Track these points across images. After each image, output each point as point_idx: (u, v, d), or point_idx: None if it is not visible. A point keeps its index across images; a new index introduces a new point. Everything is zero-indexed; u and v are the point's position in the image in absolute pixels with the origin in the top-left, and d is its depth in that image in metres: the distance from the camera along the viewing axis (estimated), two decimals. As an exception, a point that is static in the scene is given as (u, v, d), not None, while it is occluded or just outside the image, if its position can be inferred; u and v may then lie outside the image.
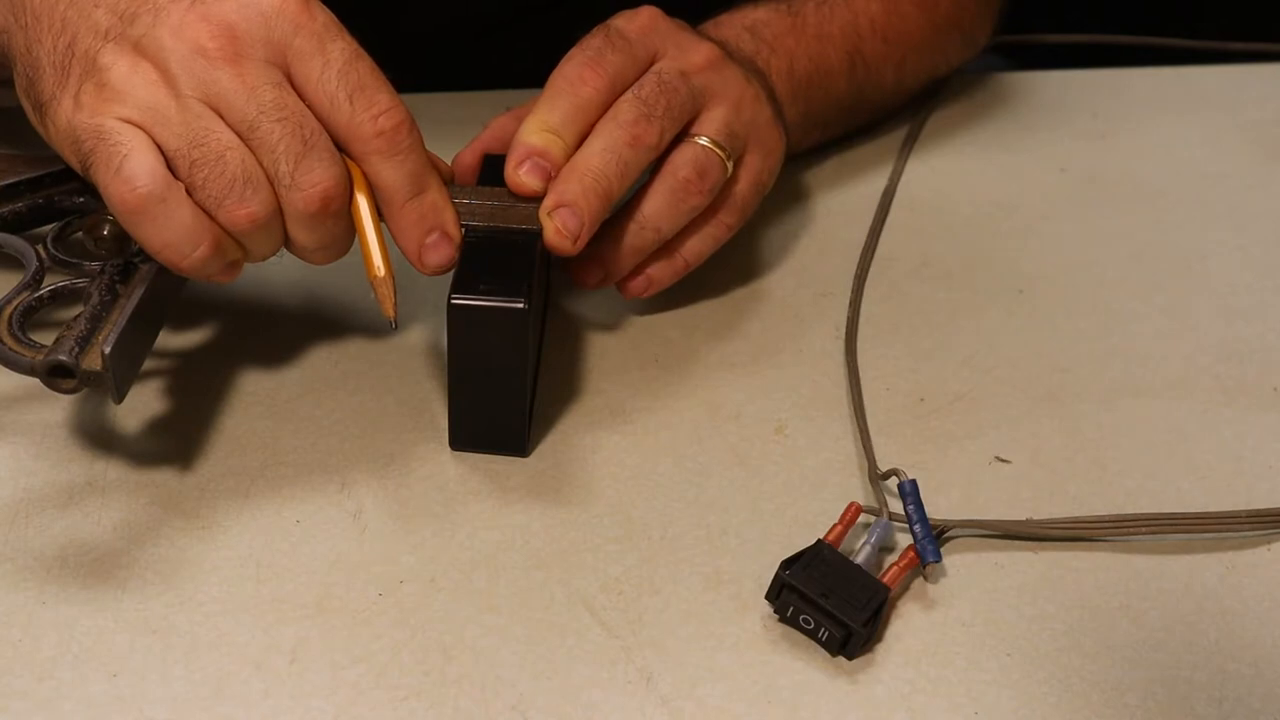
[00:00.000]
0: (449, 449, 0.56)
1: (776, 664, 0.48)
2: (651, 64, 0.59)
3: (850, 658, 0.48)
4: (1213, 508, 0.55)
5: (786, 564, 0.49)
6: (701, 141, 0.59)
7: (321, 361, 0.60)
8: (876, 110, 0.77)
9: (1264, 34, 0.88)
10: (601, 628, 0.49)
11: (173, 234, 0.49)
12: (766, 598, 0.50)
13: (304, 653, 0.48)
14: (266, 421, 0.57)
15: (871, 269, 0.68)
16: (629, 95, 0.57)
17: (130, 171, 0.48)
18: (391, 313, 0.53)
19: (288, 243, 0.52)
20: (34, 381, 0.49)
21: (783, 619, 0.50)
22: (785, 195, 0.72)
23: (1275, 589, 0.52)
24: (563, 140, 0.56)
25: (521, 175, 0.56)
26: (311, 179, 0.50)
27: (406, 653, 0.48)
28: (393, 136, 0.51)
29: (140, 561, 0.50)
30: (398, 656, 0.48)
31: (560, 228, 0.55)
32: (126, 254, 0.53)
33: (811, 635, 0.49)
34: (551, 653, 0.48)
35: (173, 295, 0.56)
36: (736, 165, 0.61)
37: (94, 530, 0.52)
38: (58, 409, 0.56)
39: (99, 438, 0.55)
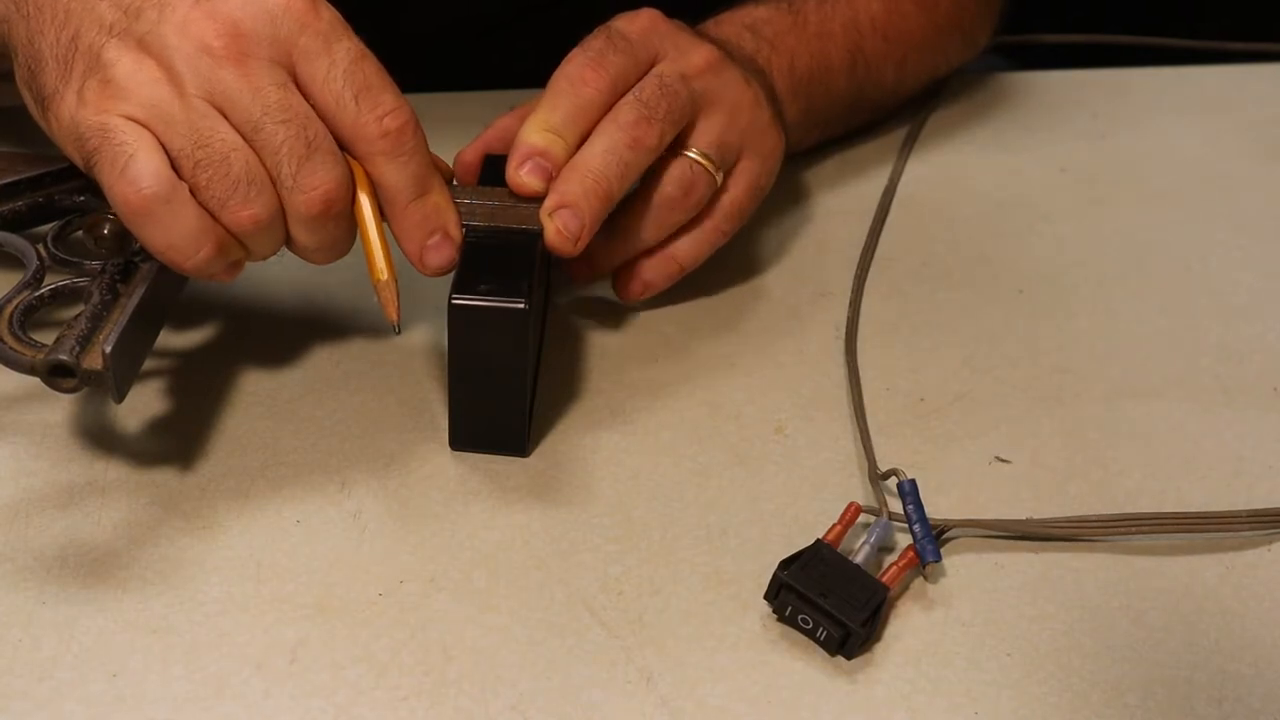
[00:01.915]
0: (449, 449, 0.56)
1: (776, 664, 0.48)
2: (652, 65, 0.59)
3: (849, 657, 0.48)
4: (1213, 508, 0.55)
5: (785, 564, 0.49)
6: (691, 155, 0.60)
7: (322, 361, 0.60)
8: (876, 109, 0.77)
9: (1264, 34, 0.88)
10: (601, 628, 0.49)
11: (177, 235, 0.49)
12: (765, 597, 0.50)
13: (304, 653, 0.48)
14: (266, 421, 0.57)
15: (871, 269, 0.68)
16: (630, 97, 0.57)
17: (135, 172, 0.48)
18: (395, 316, 0.53)
19: (289, 242, 0.52)
20: (34, 381, 0.49)
21: (781, 618, 0.50)
22: (785, 195, 0.72)
23: (1275, 589, 0.52)
24: (564, 141, 0.56)
25: (523, 176, 0.56)
26: (314, 181, 0.50)
27: (406, 653, 0.48)
28: (397, 137, 0.51)
29: (140, 561, 0.50)
30: (398, 656, 0.48)
31: (561, 228, 0.55)
32: (127, 253, 0.53)
33: (810, 635, 0.49)
34: (551, 653, 0.48)
35: (173, 295, 0.56)
36: (727, 175, 0.62)
37: (94, 530, 0.52)
38: (58, 409, 0.56)
39: (99, 438, 0.55)
